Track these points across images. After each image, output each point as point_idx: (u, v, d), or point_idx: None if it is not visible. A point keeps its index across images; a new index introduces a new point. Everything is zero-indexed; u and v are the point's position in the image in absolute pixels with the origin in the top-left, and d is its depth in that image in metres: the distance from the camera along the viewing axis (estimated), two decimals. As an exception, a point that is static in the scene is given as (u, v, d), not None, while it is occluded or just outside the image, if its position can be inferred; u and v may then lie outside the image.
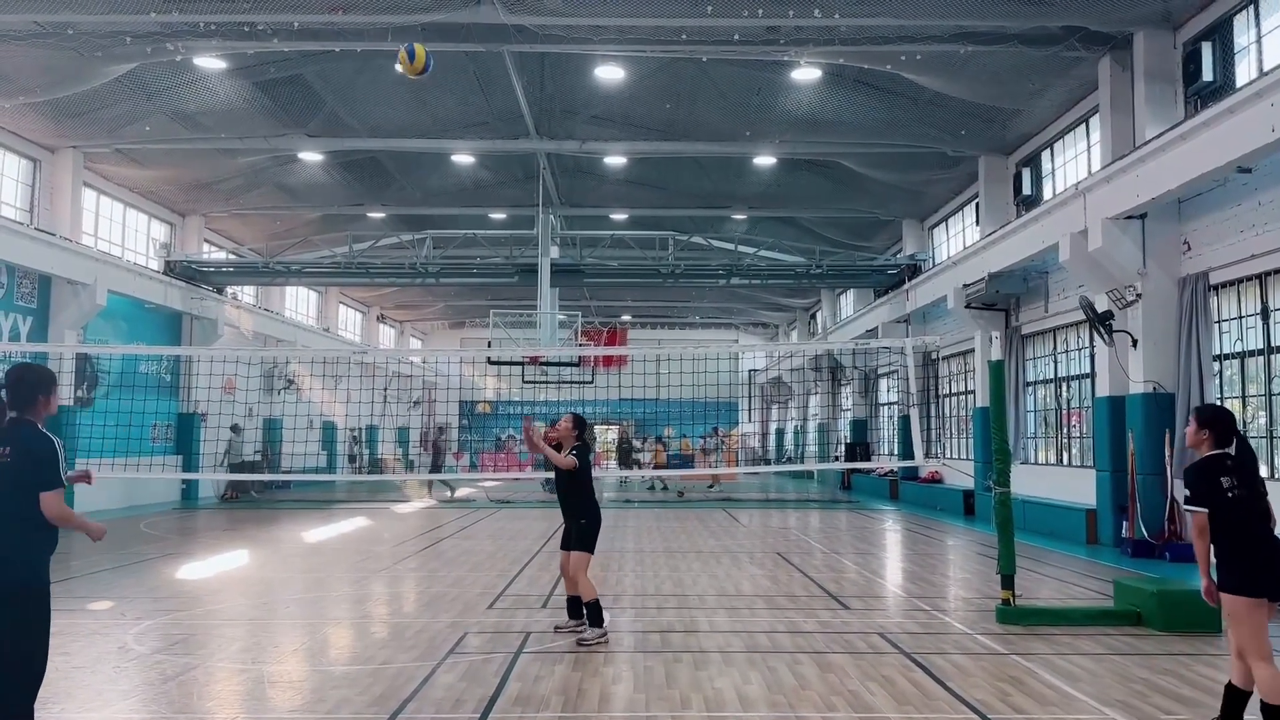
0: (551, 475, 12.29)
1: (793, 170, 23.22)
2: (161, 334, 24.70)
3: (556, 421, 8.97)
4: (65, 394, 19.70)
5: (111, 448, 18.69)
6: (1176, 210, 14.41)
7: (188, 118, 18.95)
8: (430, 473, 27.58)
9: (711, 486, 29.02)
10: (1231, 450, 5.55)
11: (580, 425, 8.76)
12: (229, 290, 27.41)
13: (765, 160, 22.14)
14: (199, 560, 13.60)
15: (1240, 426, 13.17)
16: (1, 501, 4.69)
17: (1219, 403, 13.67)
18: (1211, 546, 5.46)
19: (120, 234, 23.96)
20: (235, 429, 25.36)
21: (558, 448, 8.66)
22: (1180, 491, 13.71)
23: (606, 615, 8.46)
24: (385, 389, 38.51)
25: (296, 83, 18.33)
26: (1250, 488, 5.44)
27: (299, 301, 34.90)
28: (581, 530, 8.48)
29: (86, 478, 5.56)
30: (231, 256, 28.72)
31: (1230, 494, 5.41)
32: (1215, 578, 5.46)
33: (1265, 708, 5.26)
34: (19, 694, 4.64)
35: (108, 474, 19.49)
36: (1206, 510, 5.42)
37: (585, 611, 8.36)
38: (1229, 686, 5.47)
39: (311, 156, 22.15)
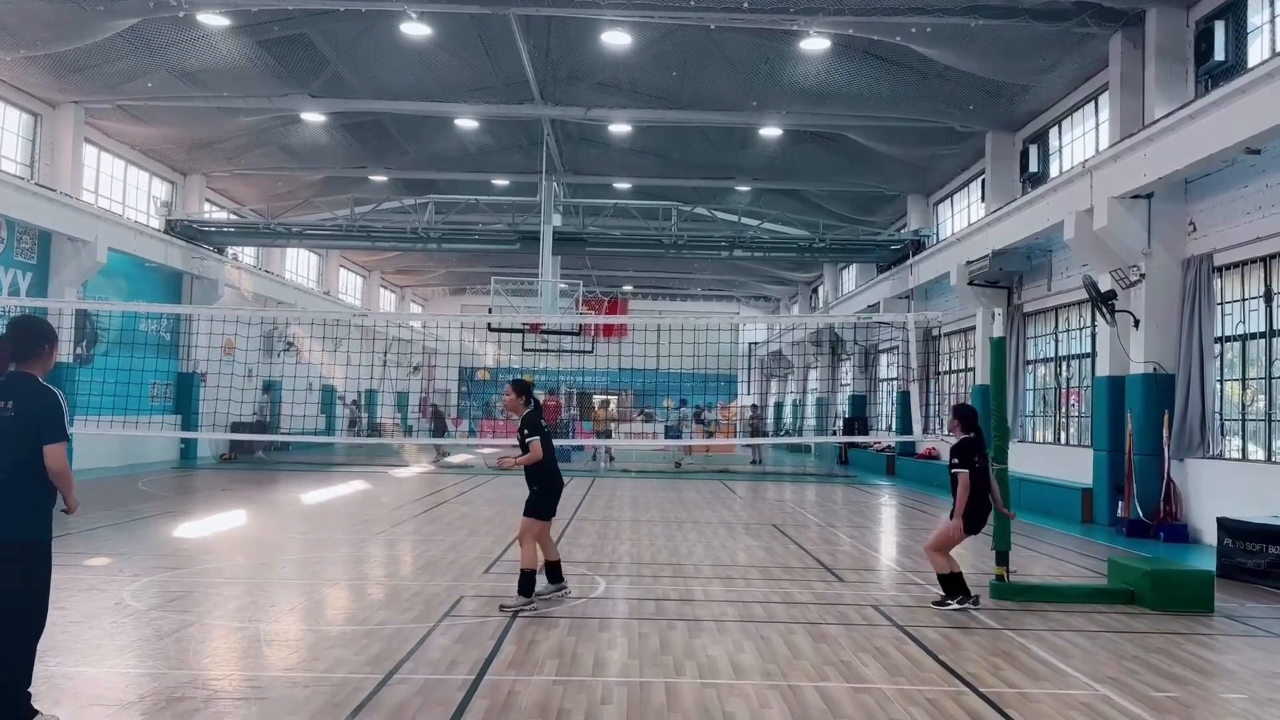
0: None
1: (798, 142, 23.10)
2: (162, 293, 24.64)
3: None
4: (65, 351, 19.69)
5: (110, 405, 18.70)
6: (1183, 191, 14.33)
7: (190, 75, 18.79)
8: (432, 437, 27.90)
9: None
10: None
11: (524, 390, 8.50)
12: (230, 251, 27.32)
13: (771, 131, 22.02)
14: (197, 519, 13.63)
15: (1239, 409, 13.19)
16: (5, 455, 4.67)
17: (1218, 385, 13.69)
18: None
19: (121, 191, 23.84)
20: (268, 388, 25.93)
21: (521, 439, 8.30)
22: (1177, 471, 13.76)
23: (551, 584, 8.44)
24: (385, 353, 38.50)
25: (300, 42, 18.18)
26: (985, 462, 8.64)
27: (300, 264, 34.81)
28: (533, 495, 8.27)
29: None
30: (233, 217, 28.59)
31: (977, 464, 8.53)
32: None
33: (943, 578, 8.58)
34: (22, 643, 4.67)
35: (106, 431, 19.54)
36: (968, 471, 8.48)
37: (519, 578, 8.13)
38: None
39: (314, 117, 22.02)
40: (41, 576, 4.73)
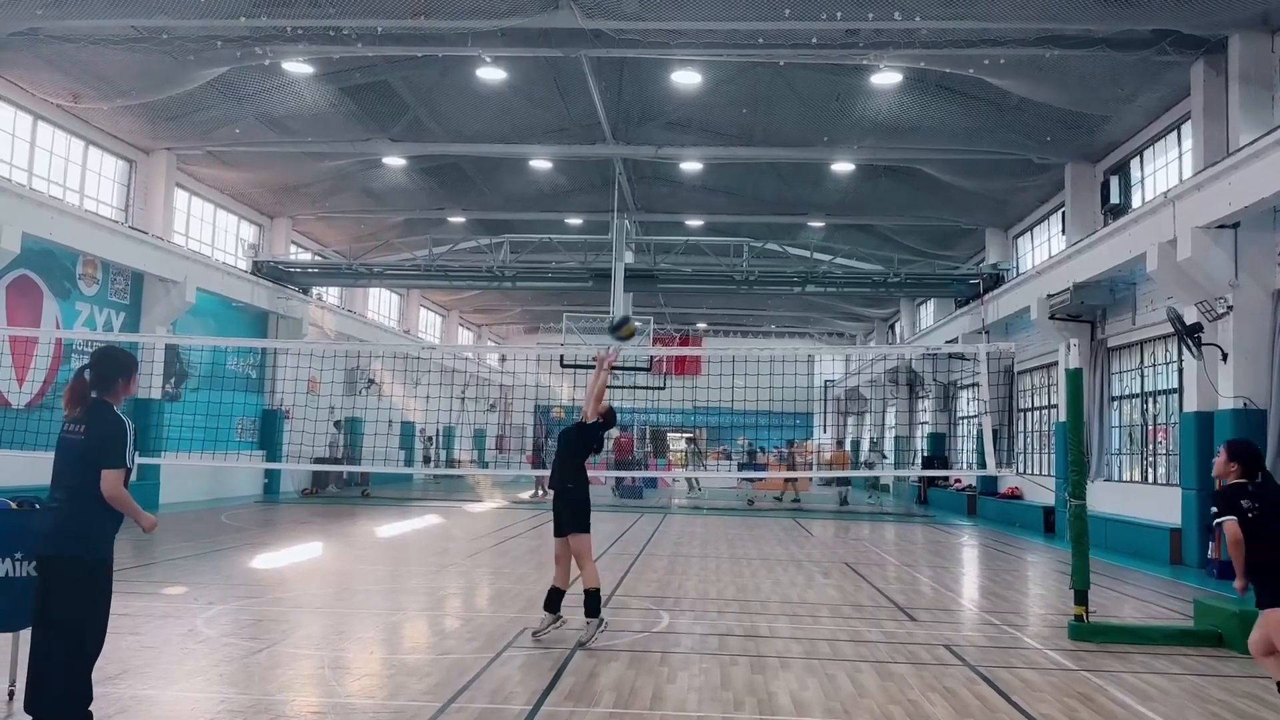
0: (620, 475, 12.31)
1: (872, 177, 22.91)
2: (248, 332, 25.37)
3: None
4: (154, 387, 20.40)
5: (200, 439, 19.28)
6: (1271, 219, 13.81)
7: (276, 121, 19.48)
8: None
9: (779, 498, 28.56)
10: (1258, 479, 6.21)
11: (611, 413, 9.13)
12: (314, 291, 28.07)
13: (843, 167, 21.88)
14: (274, 551, 13.92)
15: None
16: (73, 476, 4.86)
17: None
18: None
19: (210, 234, 24.74)
20: (338, 425, 26.30)
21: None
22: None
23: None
24: (464, 389, 39.04)
25: (381, 88, 18.72)
26: (1272, 515, 6.00)
27: (381, 304, 35.62)
28: (575, 505, 8.22)
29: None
30: (317, 258, 29.42)
31: (1249, 515, 6.00)
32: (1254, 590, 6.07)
33: None
34: (77, 663, 4.76)
35: (196, 463, 20.16)
36: (1235, 517, 5.99)
37: (585, 599, 8.04)
38: None
39: (395, 161, 22.60)
40: (100, 595, 4.83)
